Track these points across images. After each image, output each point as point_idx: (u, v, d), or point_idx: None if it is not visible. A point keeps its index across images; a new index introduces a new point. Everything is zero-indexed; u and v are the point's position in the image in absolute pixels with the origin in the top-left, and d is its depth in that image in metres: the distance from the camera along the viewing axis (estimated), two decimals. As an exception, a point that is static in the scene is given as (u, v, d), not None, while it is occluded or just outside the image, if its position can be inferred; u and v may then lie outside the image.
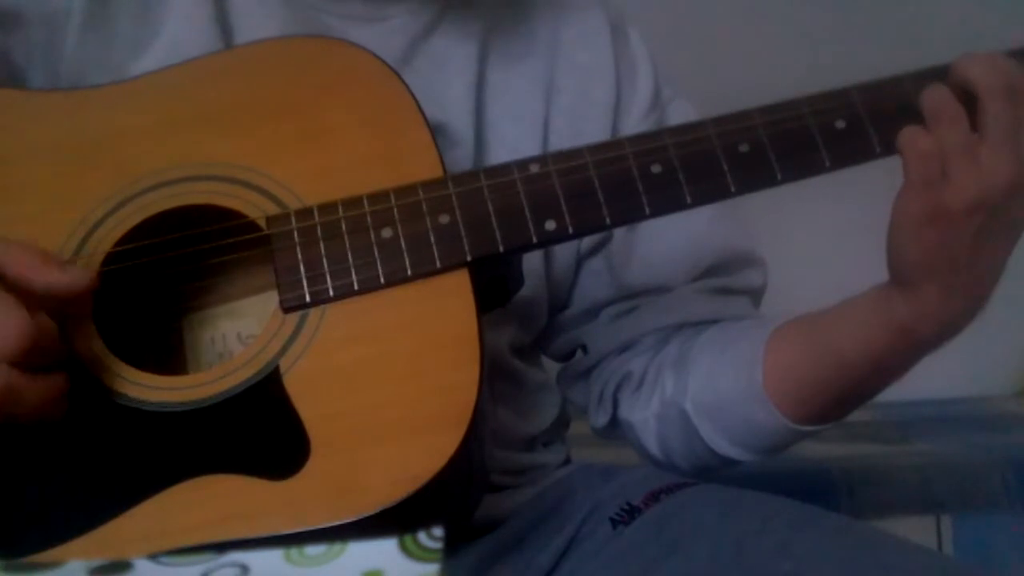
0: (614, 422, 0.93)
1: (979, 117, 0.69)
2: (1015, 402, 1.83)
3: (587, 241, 0.91)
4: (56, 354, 0.63)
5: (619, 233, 0.90)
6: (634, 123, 0.91)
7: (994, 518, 1.36)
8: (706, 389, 0.85)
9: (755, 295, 0.94)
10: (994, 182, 0.68)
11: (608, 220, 0.71)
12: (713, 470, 0.89)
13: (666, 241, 0.89)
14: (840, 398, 0.80)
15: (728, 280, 0.91)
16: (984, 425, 1.67)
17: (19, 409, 0.61)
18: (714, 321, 0.89)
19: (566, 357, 0.97)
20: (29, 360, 0.60)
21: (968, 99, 0.69)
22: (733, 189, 0.71)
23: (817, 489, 1.34)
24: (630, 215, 0.72)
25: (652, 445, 0.90)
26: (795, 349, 0.81)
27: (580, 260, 0.92)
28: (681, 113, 0.92)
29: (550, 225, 0.70)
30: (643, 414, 0.90)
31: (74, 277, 0.65)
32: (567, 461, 0.95)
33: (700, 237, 0.89)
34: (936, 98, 0.69)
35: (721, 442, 0.85)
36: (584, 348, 0.95)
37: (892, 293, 0.74)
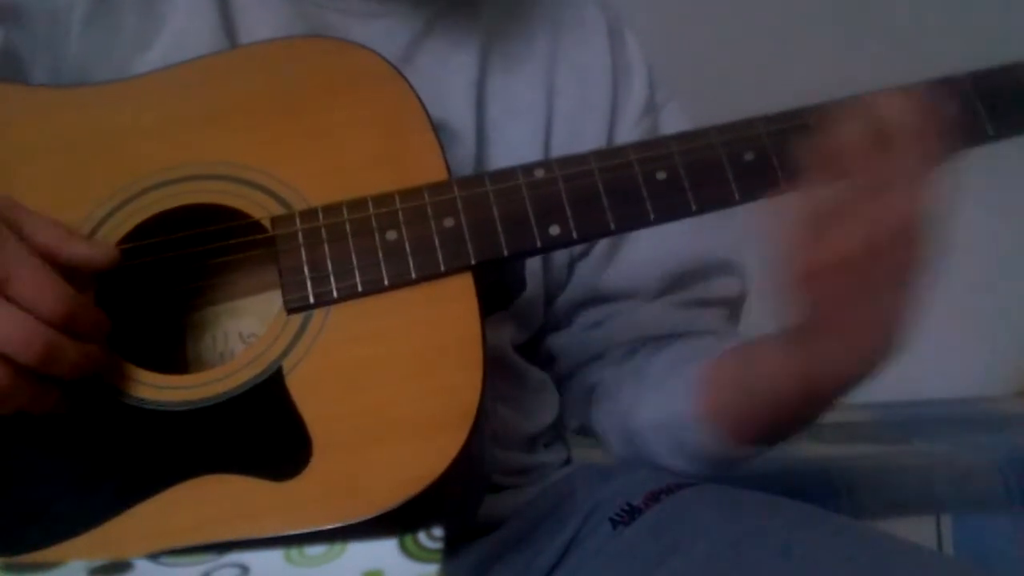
0: (584, 429, 0.95)
1: (885, 158, 0.65)
2: (1015, 402, 1.83)
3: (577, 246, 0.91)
4: (93, 327, 0.64)
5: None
6: (627, 128, 0.91)
7: (994, 518, 1.36)
8: (655, 407, 0.86)
9: (732, 304, 0.94)
10: (895, 221, 0.65)
11: (613, 226, 0.71)
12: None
13: (642, 247, 0.90)
14: (775, 427, 0.80)
15: (702, 290, 0.91)
16: (984, 425, 1.67)
17: (56, 370, 0.62)
18: (682, 335, 0.90)
19: (549, 361, 0.98)
20: (68, 324, 0.61)
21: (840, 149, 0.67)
22: (737, 197, 0.71)
23: (817, 489, 1.34)
24: (634, 221, 0.72)
25: (620, 453, 0.91)
26: (726, 380, 0.81)
27: (573, 262, 0.92)
28: (673, 118, 0.92)
29: (554, 230, 0.70)
30: (605, 426, 0.91)
31: (99, 250, 0.67)
32: (568, 461, 0.95)
33: (674, 244, 0.89)
34: (842, 136, 0.66)
35: (668, 458, 0.86)
36: (556, 356, 0.96)
37: (796, 337, 0.73)
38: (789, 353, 0.73)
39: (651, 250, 0.89)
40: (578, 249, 0.91)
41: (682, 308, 0.91)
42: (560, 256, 0.91)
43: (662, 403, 0.85)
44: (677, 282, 0.91)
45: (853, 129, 0.66)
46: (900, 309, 0.68)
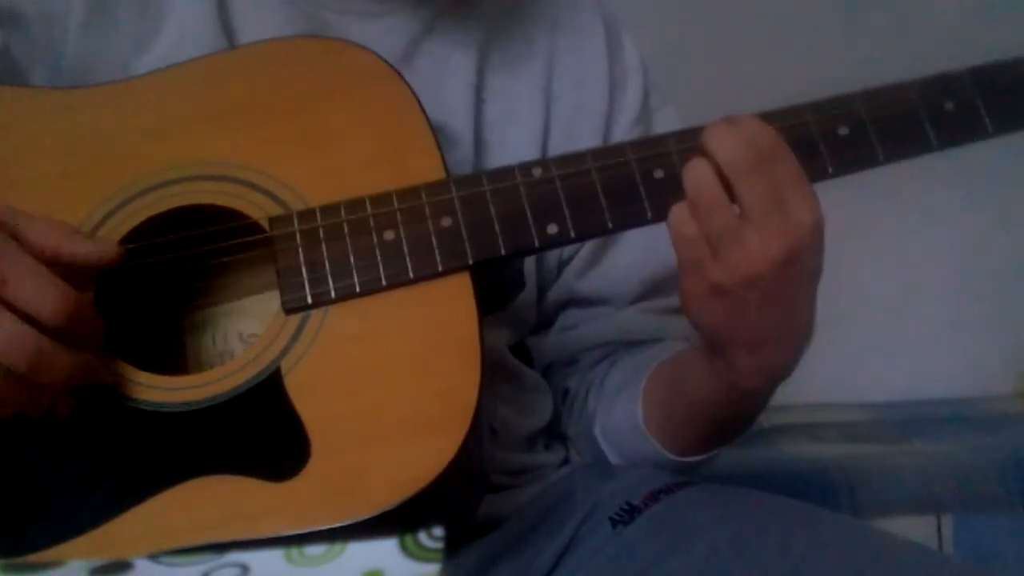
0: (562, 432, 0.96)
1: (735, 195, 0.66)
2: (1015, 402, 1.83)
3: (568, 248, 0.91)
4: (90, 330, 0.64)
5: (589, 242, 0.91)
6: (622, 132, 0.91)
7: (994, 518, 1.36)
8: (608, 415, 0.88)
9: None
10: (765, 256, 0.65)
11: (610, 225, 0.71)
12: None
13: (622, 253, 0.90)
14: (709, 434, 0.81)
15: (672, 299, 0.91)
16: (984, 425, 1.67)
17: (46, 379, 0.61)
18: (653, 341, 0.90)
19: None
20: (64, 328, 0.61)
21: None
22: None
23: (817, 489, 1.34)
24: (632, 220, 0.72)
25: (593, 460, 0.92)
26: (661, 390, 0.82)
27: (561, 265, 0.92)
28: (667, 121, 0.92)
29: (552, 229, 0.70)
30: (574, 430, 0.93)
31: (101, 247, 0.67)
32: (567, 461, 0.95)
33: (654, 252, 0.88)
34: (694, 181, 0.67)
35: (622, 463, 0.87)
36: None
37: (708, 353, 0.74)
38: (705, 361, 0.75)
39: (631, 256, 0.90)
40: (567, 253, 0.92)
41: (656, 315, 0.91)
42: (551, 258, 0.91)
43: (614, 411, 0.87)
44: (653, 289, 0.91)
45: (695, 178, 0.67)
46: (807, 309, 0.69)
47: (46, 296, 0.61)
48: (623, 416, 0.85)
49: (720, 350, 0.72)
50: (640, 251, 0.89)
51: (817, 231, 0.66)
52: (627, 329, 0.91)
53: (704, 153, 0.67)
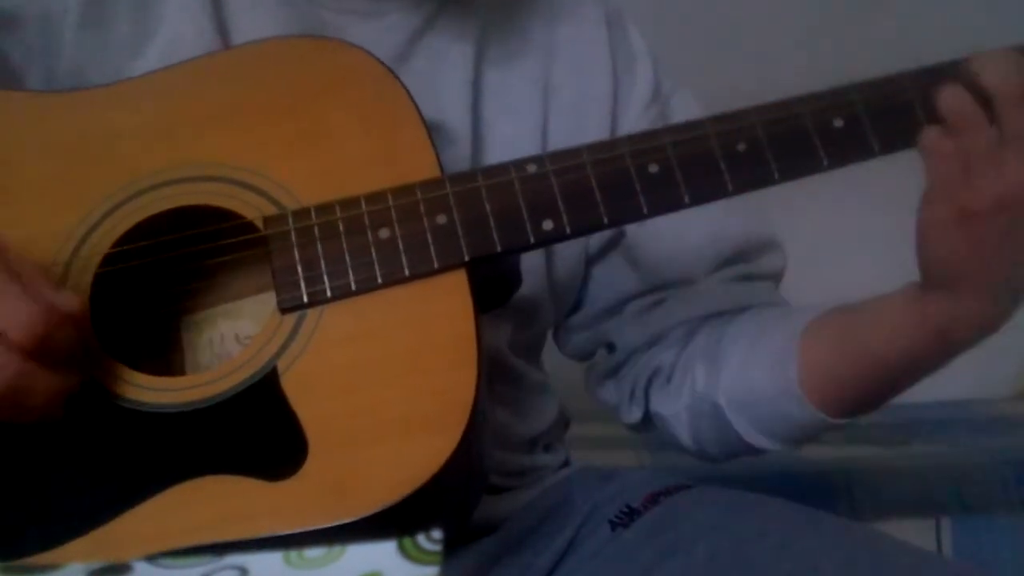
0: (647, 417, 0.93)
1: (998, 120, 0.68)
2: (1015, 403, 1.83)
3: (597, 239, 0.90)
4: (72, 350, 0.63)
5: (633, 228, 0.90)
6: (634, 116, 0.90)
7: (994, 519, 1.36)
8: (739, 383, 0.84)
9: (777, 279, 0.94)
10: (1018, 180, 0.67)
11: (606, 220, 0.71)
12: (743, 455, 0.88)
13: (686, 233, 0.88)
14: (876, 393, 0.80)
15: (751, 267, 0.91)
16: (984, 427, 1.67)
17: (28, 401, 0.61)
18: (741, 309, 0.89)
19: (586, 356, 0.97)
20: (44, 350, 0.60)
21: (985, 97, 0.68)
22: (731, 188, 0.71)
23: (817, 490, 1.34)
24: (627, 215, 0.71)
25: (684, 437, 0.89)
26: (829, 347, 0.80)
27: (591, 259, 0.91)
28: (684, 105, 0.92)
29: (547, 225, 0.70)
30: (675, 407, 0.89)
31: (63, 300, 0.63)
32: (566, 463, 0.95)
33: (719, 227, 0.89)
34: (954, 102, 0.68)
35: (756, 434, 0.84)
36: (610, 346, 0.94)
37: (925, 295, 0.73)
38: (912, 308, 0.73)
39: (696, 235, 0.89)
40: (596, 245, 0.91)
41: (738, 283, 0.90)
42: (570, 255, 0.90)
43: (746, 377, 0.84)
44: (730, 261, 0.91)
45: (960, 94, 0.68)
46: (1021, 269, 0.69)
47: (19, 317, 0.59)
48: (765, 382, 0.82)
49: (946, 289, 0.71)
50: (706, 228, 0.88)
51: None
52: (715, 300, 0.89)
53: (959, 80, 0.69)
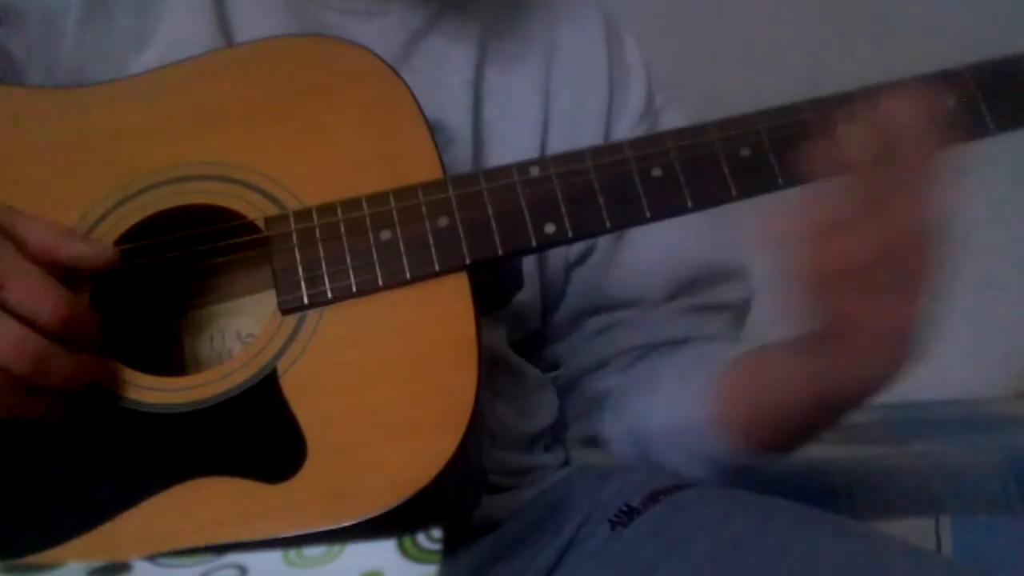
0: (590, 439, 0.94)
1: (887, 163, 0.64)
2: (1015, 403, 1.83)
3: (575, 249, 0.91)
4: (89, 332, 0.64)
5: (603, 242, 0.90)
6: (625, 130, 0.91)
7: (994, 519, 1.36)
8: (667, 415, 0.85)
9: (737, 309, 0.93)
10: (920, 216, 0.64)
11: (608, 224, 0.71)
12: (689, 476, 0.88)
13: (647, 252, 0.89)
14: (787, 435, 0.80)
15: (707, 296, 0.91)
16: (984, 427, 1.67)
17: (48, 381, 0.62)
18: (690, 340, 0.89)
19: (551, 368, 0.97)
20: (63, 331, 0.61)
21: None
22: (734, 193, 0.71)
23: (816, 490, 1.33)
24: (630, 219, 0.71)
25: (631, 459, 0.90)
26: (740, 387, 0.80)
27: (569, 268, 0.92)
28: (672, 121, 0.92)
29: (549, 228, 0.70)
30: (616, 431, 0.90)
31: (97, 249, 0.67)
32: (566, 463, 0.95)
33: (681, 250, 0.89)
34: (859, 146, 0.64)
35: (684, 464, 0.85)
36: (558, 366, 0.95)
37: (806, 349, 0.72)
38: (803, 360, 0.72)
39: (658, 256, 0.89)
40: (574, 254, 0.91)
41: (689, 313, 0.90)
42: (556, 259, 0.90)
43: (674, 410, 0.84)
44: (685, 288, 0.91)
45: (855, 132, 0.64)
46: (916, 314, 0.66)
47: (46, 300, 0.61)
48: (682, 414, 0.83)
49: (828, 339, 0.69)
50: (665, 250, 0.88)
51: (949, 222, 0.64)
52: (664, 329, 0.90)
53: (853, 117, 0.65)
